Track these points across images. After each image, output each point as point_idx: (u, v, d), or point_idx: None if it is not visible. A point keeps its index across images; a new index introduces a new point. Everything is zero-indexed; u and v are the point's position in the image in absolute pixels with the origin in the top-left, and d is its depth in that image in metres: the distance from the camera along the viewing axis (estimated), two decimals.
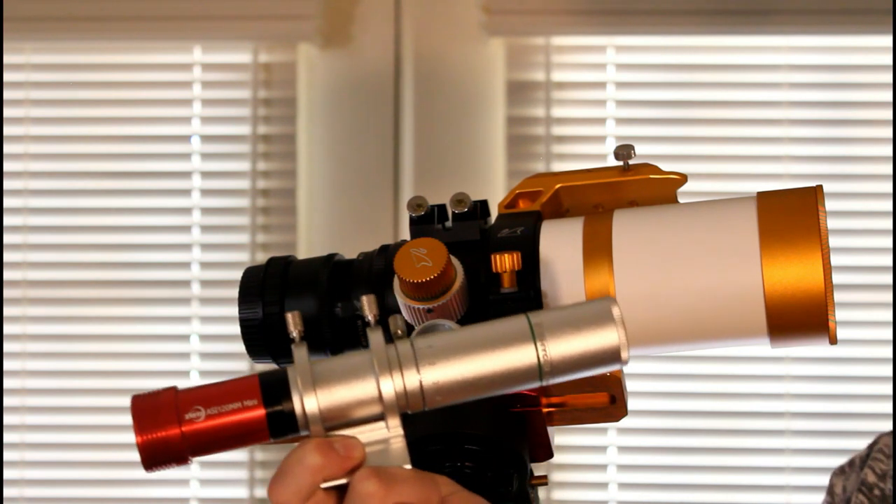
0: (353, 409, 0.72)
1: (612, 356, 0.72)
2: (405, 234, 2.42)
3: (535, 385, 0.72)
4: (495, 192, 2.43)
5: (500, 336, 0.72)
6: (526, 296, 0.82)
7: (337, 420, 0.72)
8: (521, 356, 0.72)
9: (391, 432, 0.72)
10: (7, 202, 2.49)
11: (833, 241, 0.82)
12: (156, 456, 0.72)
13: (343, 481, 0.71)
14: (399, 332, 0.72)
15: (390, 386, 0.71)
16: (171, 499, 2.49)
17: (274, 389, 0.72)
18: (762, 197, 0.82)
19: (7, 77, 2.50)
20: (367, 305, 0.73)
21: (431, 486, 0.71)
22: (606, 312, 0.72)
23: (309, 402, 0.71)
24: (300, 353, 0.72)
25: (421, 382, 0.72)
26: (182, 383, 2.56)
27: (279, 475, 0.71)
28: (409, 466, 0.72)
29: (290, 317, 0.73)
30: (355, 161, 2.50)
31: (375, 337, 0.72)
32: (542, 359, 0.71)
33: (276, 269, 0.87)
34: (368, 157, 2.50)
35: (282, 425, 0.72)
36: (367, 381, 0.72)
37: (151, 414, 0.72)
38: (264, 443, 0.73)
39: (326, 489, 0.71)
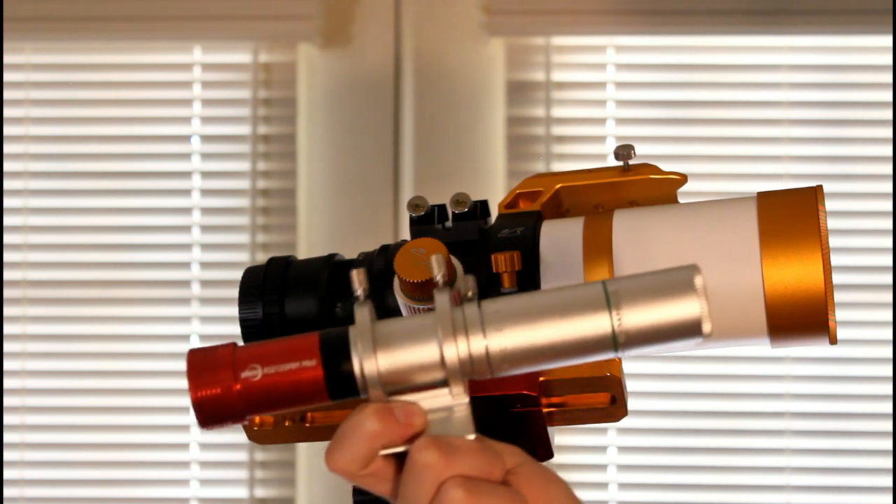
0: (416, 373, 0.69)
1: (692, 328, 0.68)
2: (405, 234, 2.42)
3: (610, 356, 0.69)
4: (495, 192, 2.43)
5: (573, 303, 0.69)
6: None
7: (398, 384, 0.69)
8: (594, 325, 0.68)
9: (455, 400, 0.70)
10: (7, 202, 2.49)
11: (833, 241, 0.82)
12: (210, 414, 0.70)
13: (402, 449, 0.69)
14: (470, 293, 0.70)
15: (454, 351, 0.69)
16: (171, 499, 2.49)
17: (334, 350, 0.69)
18: (762, 197, 0.82)
19: (7, 77, 2.50)
20: (437, 265, 0.71)
21: (494, 458, 0.69)
22: (688, 281, 0.68)
23: (369, 365, 0.69)
24: (362, 312, 0.70)
25: (487, 348, 0.69)
26: (182, 383, 2.54)
27: (336, 441, 0.69)
28: (472, 436, 0.69)
29: (354, 274, 0.71)
30: (355, 161, 2.50)
31: (441, 299, 0.70)
32: (616, 329, 0.68)
33: (277, 269, 0.87)
34: (368, 157, 2.50)
35: (341, 387, 0.69)
36: (430, 344, 0.69)
37: (207, 370, 0.70)
38: (323, 404, 0.71)
39: (385, 456, 0.69)
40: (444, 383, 0.70)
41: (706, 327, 0.68)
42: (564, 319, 0.69)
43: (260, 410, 0.70)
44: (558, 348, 0.69)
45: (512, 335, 0.69)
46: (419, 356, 0.69)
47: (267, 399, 0.70)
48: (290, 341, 0.70)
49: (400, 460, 0.69)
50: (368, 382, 0.69)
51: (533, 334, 0.69)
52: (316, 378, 0.69)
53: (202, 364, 0.70)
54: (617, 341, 0.68)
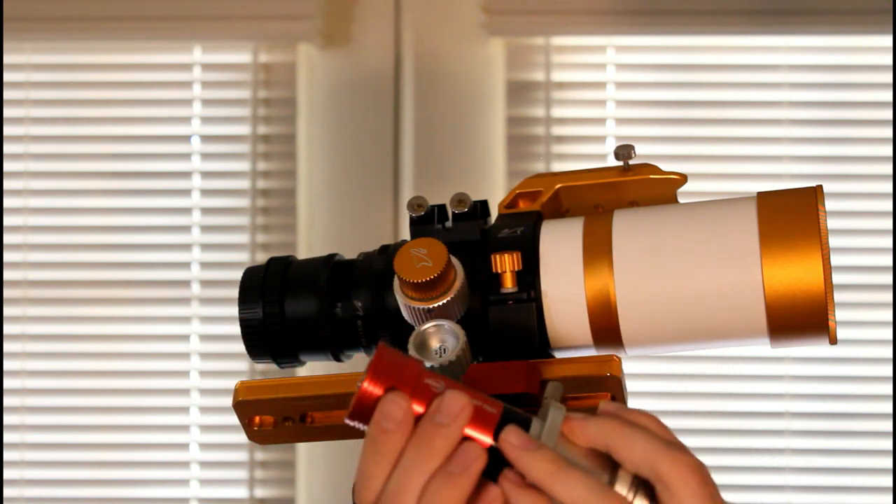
0: None
1: None
2: (405, 234, 2.42)
3: None
4: (495, 192, 2.43)
5: None
6: (526, 296, 0.82)
7: None
8: None
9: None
10: (7, 202, 2.49)
11: (833, 241, 0.82)
12: (362, 410, 0.75)
13: None
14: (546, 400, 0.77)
15: None
16: (171, 499, 2.49)
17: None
18: (762, 197, 0.82)
19: (7, 77, 2.50)
20: (555, 391, 0.79)
21: None
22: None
23: None
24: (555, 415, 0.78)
25: None
26: (182, 383, 2.54)
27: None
28: None
29: (553, 387, 0.78)
30: (355, 161, 2.50)
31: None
32: None
33: (277, 270, 0.87)
34: (368, 157, 2.50)
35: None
36: None
37: (391, 372, 0.75)
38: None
39: None
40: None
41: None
42: None
43: None
44: None
45: None
46: None
47: None
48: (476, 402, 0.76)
49: None
50: None
51: None
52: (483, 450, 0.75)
53: (389, 364, 0.75)
54: None
